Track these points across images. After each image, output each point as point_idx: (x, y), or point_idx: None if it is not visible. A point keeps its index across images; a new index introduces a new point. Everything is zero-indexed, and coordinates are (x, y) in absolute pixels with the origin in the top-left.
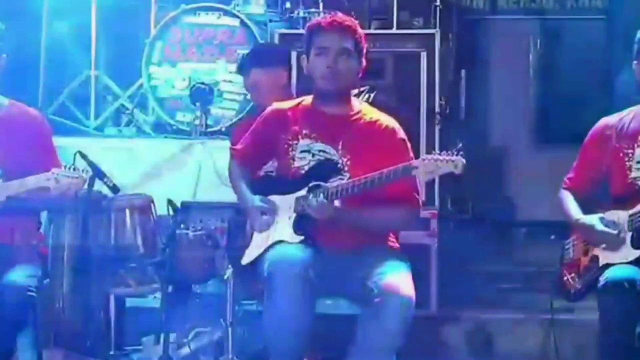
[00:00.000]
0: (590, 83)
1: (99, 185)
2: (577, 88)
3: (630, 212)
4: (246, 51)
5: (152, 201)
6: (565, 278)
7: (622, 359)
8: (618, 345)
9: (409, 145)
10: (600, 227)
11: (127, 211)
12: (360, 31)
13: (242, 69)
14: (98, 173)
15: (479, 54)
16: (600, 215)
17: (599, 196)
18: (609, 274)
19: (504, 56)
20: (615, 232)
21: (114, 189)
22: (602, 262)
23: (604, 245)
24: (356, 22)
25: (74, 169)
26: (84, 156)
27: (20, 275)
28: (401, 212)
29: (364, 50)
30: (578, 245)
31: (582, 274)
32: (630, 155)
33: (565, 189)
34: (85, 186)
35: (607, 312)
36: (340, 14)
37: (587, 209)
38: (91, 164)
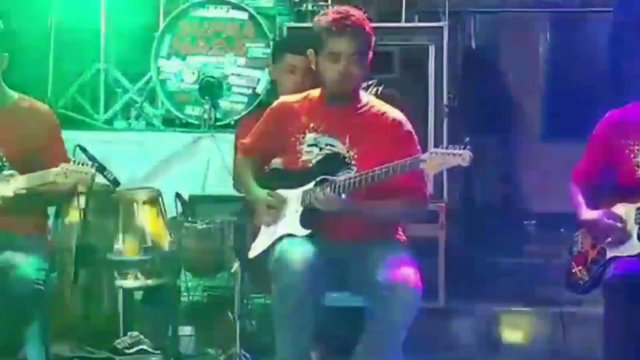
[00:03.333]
0: (599, 76)
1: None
2: (587, 81)
3: (638, 205)
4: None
5: (161, 194)
6: (574, 270)
7: (628, 352)
8: (624, 338)
9: (415, 137)
10: (604, 221)
11: (136, 204)
12: (370, 26)
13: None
14: (98, 167)
15: (487, 47)
16: (605, 210)
17: (608, 188)
18: (615, 267)
19: (512, 49)
20: (620, 225)
21: (114, 182)
22: (609, 255)
23: (609, 239)
24: (365, 16)
25: (83, 164)
26: (84, 150)
27: (28, 268)
28: (409, 204)
29: (373, 44)
30: (586, 238)
31: (590, 267)
32: (637, 151)
33: (574, 181)
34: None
35: (613, 305)
36: (351, 10)
37: (595, 201)
38: (91, 158)
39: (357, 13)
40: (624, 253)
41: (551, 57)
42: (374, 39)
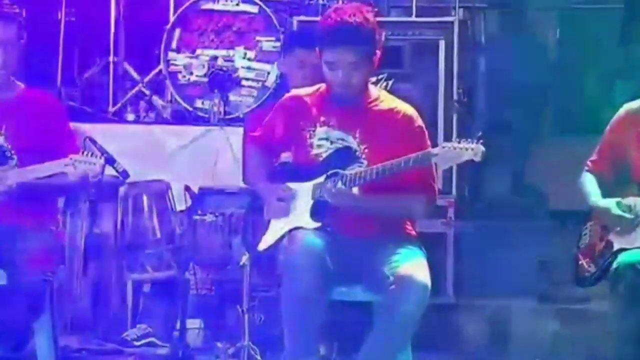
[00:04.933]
0: (611, 72)
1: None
2: (598, 77)
3: None
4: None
5: (170, 187)
6: (581, 262)
7: (634, 344)
8: (630, 329)
9: (426, 132)
10: (616, 211)
11: (144, 197)
12: (372, 23)
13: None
14: (108, 159)
15: (497, 42)
16: (618, 199)
17: (623, 180)
18: (622, 258)
19: (523, 45)
20: (630, 216)
21: (124, 174)
22: (616, 247)
23: (617, 229)
24: (368, 15)
25: (92, 155)
26: (93, 142)
27: (37, 260)
28: (417, 199)
29: (381, 40)
30: (594, 231)
31: (597, 259)
32: None
33: (587, 171)
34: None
35: (619, 297)
36: (349, 17)
37: (609, 193)
38: (101, 150)
39: (355, 19)
40: (631, 245)
41: (561, 52)
42: (378, 37)
